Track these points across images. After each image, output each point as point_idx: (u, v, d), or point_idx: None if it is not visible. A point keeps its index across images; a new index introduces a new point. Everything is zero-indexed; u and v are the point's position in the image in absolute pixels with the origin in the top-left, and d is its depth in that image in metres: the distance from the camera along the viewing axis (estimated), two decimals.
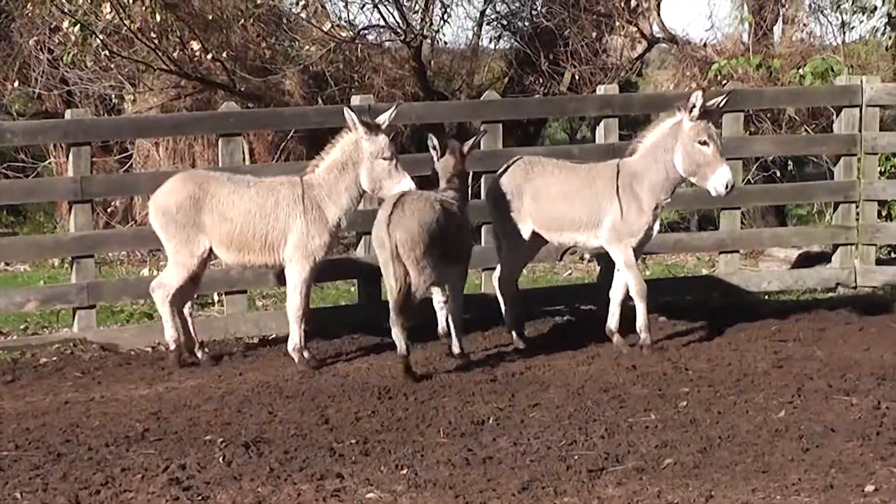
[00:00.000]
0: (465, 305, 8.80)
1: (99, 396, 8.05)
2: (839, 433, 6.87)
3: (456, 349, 8.70)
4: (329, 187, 8.65)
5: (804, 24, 15.59)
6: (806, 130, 13.88)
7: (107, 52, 13.85)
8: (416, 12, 15.26)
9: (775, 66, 13.94)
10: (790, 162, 14.03)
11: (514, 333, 9.23)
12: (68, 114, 9.65)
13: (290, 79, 14.48)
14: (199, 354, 8.91)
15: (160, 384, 8.37)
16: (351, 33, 14.97)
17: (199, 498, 6.01)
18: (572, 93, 15.29)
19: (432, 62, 16.47)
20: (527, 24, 16.65)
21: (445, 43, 16.55)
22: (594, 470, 6.32)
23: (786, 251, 12.07)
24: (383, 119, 8.67)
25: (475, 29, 16.92)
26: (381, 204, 8.49)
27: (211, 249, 8.68)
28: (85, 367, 8.94)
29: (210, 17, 14.05)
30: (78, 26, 13.19)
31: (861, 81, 11.15)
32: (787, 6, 15.51)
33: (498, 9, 17.02)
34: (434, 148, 8.76)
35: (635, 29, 15.84)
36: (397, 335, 8.18)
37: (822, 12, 15.61)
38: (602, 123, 10.55)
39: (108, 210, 14.54)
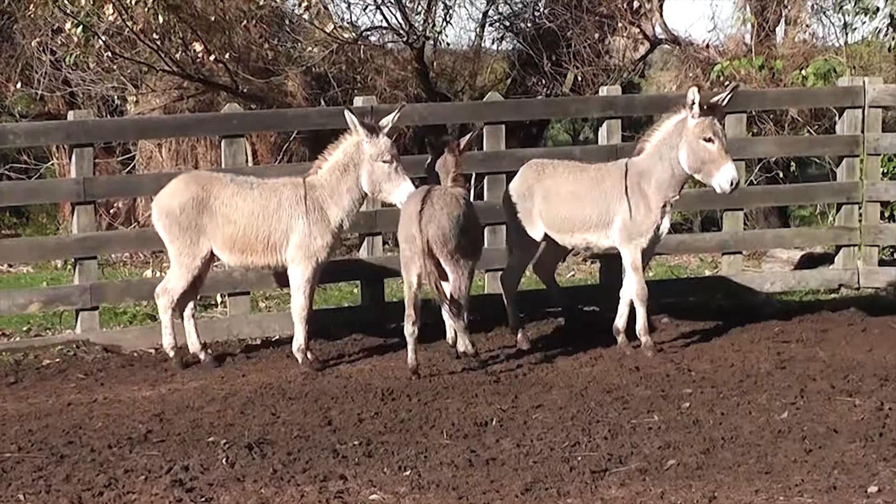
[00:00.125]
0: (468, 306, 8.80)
1: (102, 398, 8.05)
2: (842, 434, 6.87)
3: (462, 347, 8.68)
4: (331, 188, 8.65)
5: (807, 26, 15.55)
6: (808, 131, 13.86)
7: (109, 54, 13.83)
8: (419, 14, 15.22)
9: (778, 67, 13.92)
10: (793, 163, 14.00)
11: (517, 334, 9.24)
12: (71, 115, 9.66)
13: (292, 80, 14.45)
14: (202, 356, 8.92)
15: (163, 385, 8.37)
16: (353, 35, 14.95)
17: (203, 499, 6.02)
18: (575, 94, 15.29)
19: (435, 63, 16.44)
20: (529, 25, 16.62)
21: (448, 44, 16.51)
22: (597, 471, 6.32)
23: (789, 252, 12.06)
24: (386, 122, 8.64)
25: (478, 30, 16.93)
26: (405, 201, 8.46)
27: (213, 252, 8.69)
28: (88, 368, 8.94)
29: (213, 19, 14.02)
30: (80, 27, 13.16)
31: (864, 82, 11.13)
32: (789, 7, 15.49)
33: (500, 10, 17.00)
34: (430, 144, 8.80)
35: (638, 30, 15.81)
36: (409, 343, 8.29)
37: (824, 13, 15.57)
38: (605, 125, 10.54)
39: (111, 211, 14.51)
